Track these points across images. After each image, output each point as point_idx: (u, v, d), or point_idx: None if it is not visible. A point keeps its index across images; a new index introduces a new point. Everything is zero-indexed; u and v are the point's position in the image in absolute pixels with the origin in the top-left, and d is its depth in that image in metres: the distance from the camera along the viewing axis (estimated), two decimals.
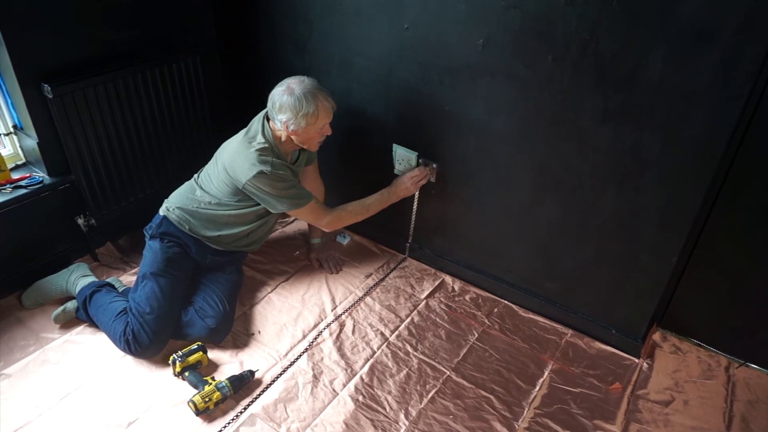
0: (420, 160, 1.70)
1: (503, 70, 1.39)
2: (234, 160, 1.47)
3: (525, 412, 1.37)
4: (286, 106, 1.40)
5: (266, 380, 1.44)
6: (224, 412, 1.35)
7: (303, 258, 1.90)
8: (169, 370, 1.44)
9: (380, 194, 1.65)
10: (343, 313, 1.67)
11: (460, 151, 1.60)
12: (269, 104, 1.45)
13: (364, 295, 1.74)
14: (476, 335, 1.61)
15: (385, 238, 1.98)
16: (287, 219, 2.05)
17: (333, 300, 1.72)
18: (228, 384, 1.37)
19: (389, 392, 1.40)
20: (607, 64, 1.25)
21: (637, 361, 1.53)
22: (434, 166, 1.67)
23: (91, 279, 1.62)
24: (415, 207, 1.81)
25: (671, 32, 1.15)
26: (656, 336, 1.59)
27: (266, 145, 1.47)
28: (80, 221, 1.71)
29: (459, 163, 1.62)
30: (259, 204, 1.52)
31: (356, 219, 1.64)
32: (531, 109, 1.40)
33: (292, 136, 1.47)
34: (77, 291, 1.58)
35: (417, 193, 1.77)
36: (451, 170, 1.66)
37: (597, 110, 1.31)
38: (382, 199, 1.65)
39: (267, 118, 1.50)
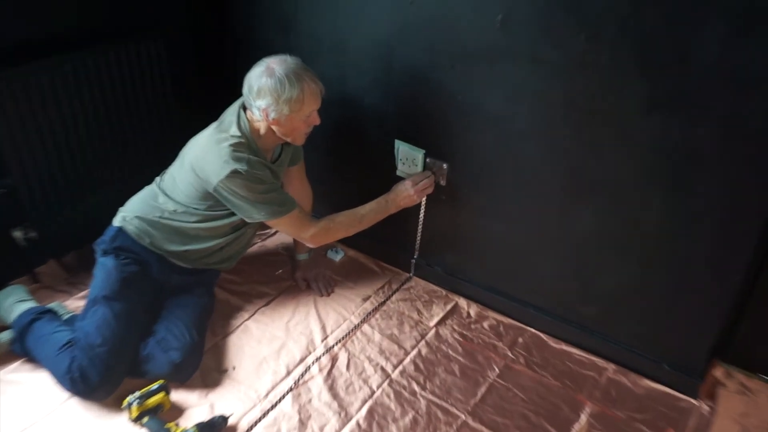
0: (427, 160, 1.71)
1: (526, 53, 1.39)
2: (203, 157, 1.47)
3: None
4: (266, 90, 1.39)
5: (242, 427, 1.41)
6: None
7: (287, 277, 1.90)
8: (125, 416, 1.40)
9: (377, 203, 1.64)
10: (336, 344, 1.66)
11: (475, 149, 1.61)
12: (245, 89, 1.44)
13: (361, 322, 1.74)
14: (497, 371, 1.60)
15: (386, 254, 1.99)
16: (268, 230, 2.05)
17: (323, 328, 1.72)
18: None
19: None
20: (652, 44, 1.24)
21: (695, 402, 1.50)
22: (444, 166, 1.68)
23: (30, 304, 1.60)
24: (421, 216, 1.81)
25: (729, 4, 1.14)
26: (718, 372, 1.55)
27: (242, 140, 1.46)
28: (17, 234, 1.68)
29: (474, 163, 1.63)
30: (234, 212, 1.52)
31: (347, 232, 1.64)
32: (560, 98, 1.39)
33: (274, 127, 1.47)
34: (13, 319, 1.55)
35: (424, 200, 1.77)
36: (465, 172, 1.67)
37: (640, 99, 1.30)
38: (378, 208, 1.65)
39: (244, 107, 1.50)
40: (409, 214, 1.80)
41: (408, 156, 1.73)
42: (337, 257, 2.01)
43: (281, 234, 1.99)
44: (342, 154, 1.91)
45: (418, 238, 1.88)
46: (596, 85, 1.34)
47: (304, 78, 1.40)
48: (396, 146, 1.75)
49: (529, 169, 1.54)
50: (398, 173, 1.79)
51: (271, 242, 2.03)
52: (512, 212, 1.64)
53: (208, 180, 1.45)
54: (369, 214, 1.64)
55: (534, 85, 1.41)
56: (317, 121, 1.50)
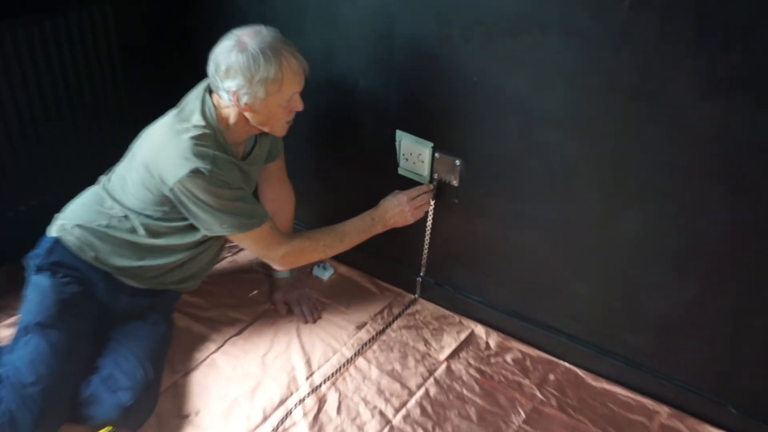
0: (436, 155, 1.71)
1: (558, 22, 1.37)
2: (159, 152, 1.46)
3: None
4: (237, 68, 1.38)
5: None
6: None
7: (264, 300, 1.91)
8: None
9: (361, 220, 1.66)
10: (324, 382, 1.65)
11: (494, 142, 1.61)
12: (211, 68, 1.43)
13: (355, 355, 1.74)
14: (523, 416, 1.59)
15: (386, 270, 2.00)
16: None
17: (308, 363, 1.71)
18: None
19: None
20: (712, 11, 1.22)
21: None
22: (456, 163, 1.67)
23: None
24: (429, 224, 1.81)
25: None
26: None
27: (206, 131, 1.46)
28: None
29: (493, 158, 1.63)
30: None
31: (325, 254, 1.66)
32: (599, 78, 1.38)
33: (247, 114, 1.46)
34: None
35: (432, 205, 1.77)
36: (482, 169, 1.67)
37: (698, 79, 1.28)
38: (363, 227, 1.66)
39: (209, 90, 1.49)
40: (415, 222, 1.79)
41: (412, 150, 1.73)
42: (326, 275, 2.01)
43: None
44: (330, 149, 1.92)
45: (425, 251, 1.87)
46: (643, 62, 1.33)
47: (283, 53, 1.40)
48: (398, 139, 1.75)
49: (561, 167, 1.54)
50: (400, 171, 1.79)
51: (243, 256, 2.04)
52: (541, 219, 1.63)
53: (164, 180, 1.45)
54: (351, 233, 1.65)
55: (567, 63, 1.41)
56: (300, 107, 1.49)
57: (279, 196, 1.82)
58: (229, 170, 1.47)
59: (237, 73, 1.38)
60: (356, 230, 1.66)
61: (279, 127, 1.52)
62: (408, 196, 1.68)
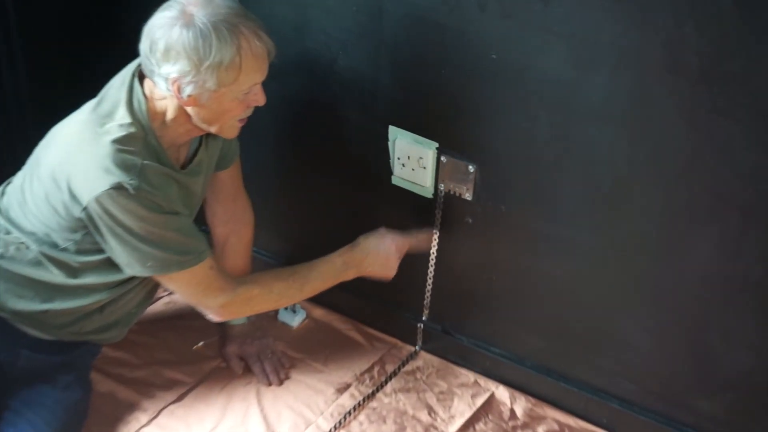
0: (442, 159, 1.71)
1: None
2: (70, 160, 1.46)
3: None
4: (180, 49, 1.38)
5: None
6: None
7: (212, 354, 1.91)
8: None
9: (328, 263, 1.70)
10: None
11: (519, 141, 1.61)
12: (144, 46, 1.42)
13: (336, 428, 1.74)
14: None
15: (377, 314, 2.01)
16: None
17: None
18: None
19: None
20: None
21: None
22: (470, 169, 1.68)
23: None
24: (434, 252, 1.82)
25: None
26: None
27: (133, 130, 1.46)
28: None
29: (518, 163, 1.64)
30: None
31: (278, 304, 1.72)
32: (658, 56, 1.38)
33: (190, 109, 1.47)
34: None
35: (437, 226, 1.79)
36: (504, 178, 1.68)
37: None
38: (330, 272, 1.71)
39: (140, 76, 1.50)
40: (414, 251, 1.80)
41: (411, 153, 1.74)
42: (296, 320, 2.01)
43: None
44: (300, 152, 1.93)
45: (429, 288, 1.88)
46: (718, 35, 1.32)
47: (243, 31, 1.40)
48: (391, 137, 1.76)
49: (607, 175, 1.54)
50: (395, 181, 1.80)
51: None
52: (582, 245, 1.64)
53: (75, 197, 1.44)
54: (315, 279, 1.68)
55: (616, 36, 1.40)
56: (261, 100, 1.51)
57: (233, 216, 1.83)
58: (163, 186, 1.47)
59: (180, 55, 1.38)
60: (321, 276, 1.69)
61: (230, 127, 1.53)
62: (400, 242, 1.73)
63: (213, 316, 1.64)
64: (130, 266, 1.51)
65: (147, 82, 1.48)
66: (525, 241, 1.71)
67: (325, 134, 1.87)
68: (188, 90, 1.41)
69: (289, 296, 1.70)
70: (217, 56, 1.38)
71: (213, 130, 1.52)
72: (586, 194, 1.59)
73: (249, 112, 1.53)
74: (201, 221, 1.77)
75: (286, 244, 1.87)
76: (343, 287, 1.78)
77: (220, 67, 1.39)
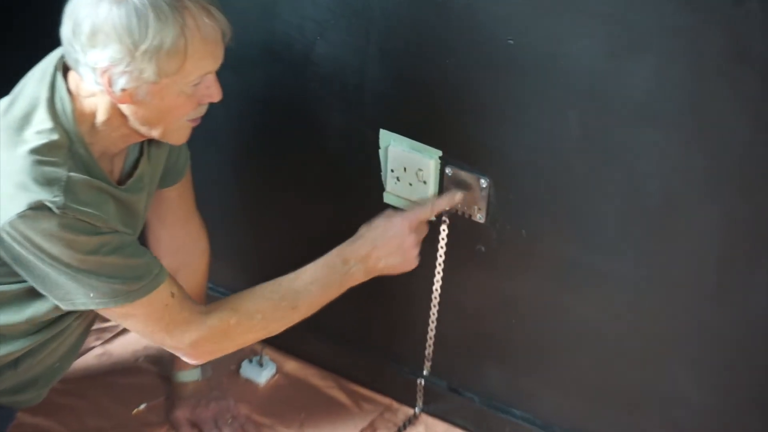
0: (447, 171, 1.72)
1: None
2: None
3: None
4: (108, 30, 1.38)
5: None
6: None
7: (158, 420, 1.89)
8: None
9: (325, 266, 1.68)
10: None
11: (543, 148, 1.62)
12: (66, 31, 1.42)
13: None
14: None
15: (366, 367, 2.02)
16: (117, 324, 1.99)
17: None
18: None
19: None
20: None
21: None
22: (482, 184, 1.70)
23: None
24: (437, 288, 1.82)
25: None
26: None
27: (56, 137, 1.45)
28: None
29: (542, 177, 1.65)
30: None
31: (265, 332, 1.69)
32: (718, 41, 1.38)
33: (125, 108, 1.47)
34: None
35: (440, 255, 1.77)
36: (524, 195, 1.69)
37: None
38: (329, 276, 1.68)
39: (64, 68, 1.50)
40: (410, 283, 1.78)
41: (407, 163, 1.75)
42: (263, 376, 2.00)
43: None
44: (267, 164, 1.94)
45: (431, 335, 1.88)
46: None
47: (188, 5, 1.40)
48: (383, 143, 1.77)
49: (657, 188, 1.55)
50: (387, 198, 1.81)
51: (122, 345, 2.01)
52: (624, 278, 1.64)
53: None
54: (310, 290, 1.65)
55: (665, 16, 1.40)
56: (215, 95, 1.51)
57: (183, 244, 1.84)
58: (96, 202, 1.47)
59: (109, 38, 1.38)
60: (318, 284, 1.65)
61: (177, 129, 1.52)
62: (413, 218, 1.68)
63: (187, 358, 1.65)
64: (69, 300, 1.50)
65: (72, 76, 1.47)
66: (552, 273, 1.72)
67: (299, 141, 1.88)
68: (121, 82, 1.41)
69: (279, 318, 1.66)
70: (156, 38, 1.37)
71: (155, 134, 1.51)
72: (628, 214, 1.59)
73: (201, 111, 1.53)
74: None
75: (250, 280, 1.85)
76: (321, 331, 1.78)
77: (160, 51, 1.38)
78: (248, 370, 2.01)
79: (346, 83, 1.74)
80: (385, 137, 1.74)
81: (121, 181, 1.58)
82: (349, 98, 1.76)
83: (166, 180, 1.72)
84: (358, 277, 1.67)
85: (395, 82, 1.70)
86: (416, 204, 1.73)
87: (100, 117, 1.48)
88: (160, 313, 1.56)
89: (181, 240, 1.83)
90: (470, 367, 1.89)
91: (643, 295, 1.64)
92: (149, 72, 1.40)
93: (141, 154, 1.61)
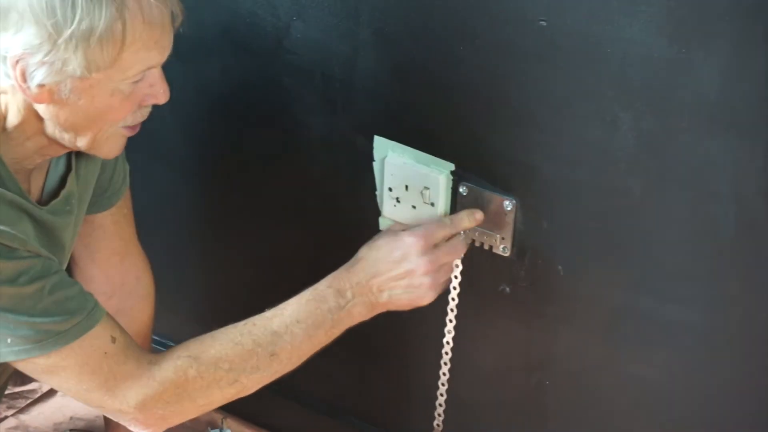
0: (461, 190, 1.74)
1: None
2: None
3: None
4: (23, 9, 1.38)
5: None
6: None
7: None
8: None
9: (312, 300, 1.68)
10: None
11: (585, 161, 1.63)
12: None
13: None
14: None
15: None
16: (35, 386, 1.97)
17: None
18: None
19: None
20: None
21: None
22: (506, 206, 1.71)
23: None
24: (448, 343, 1.83)
25: None
26: None
27: None
28: None
29: (583, 196, 1.66)
30: None
31: (235, 389, 1.67)
32: None
33: (43, 111, 1.48)
34: None
35: (454, 299, 1.79)
36: (560, 220, 1.70)
37: None
38: (319, 314, 1.68)
39: None
40: (414, 333, 1.84)
41: (411, 179, 1.76)
42: None
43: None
44: (234, 181, 1.98)
45: (441, 400, 1.88)
46: None
47: None
48: (378, 154, 1.78)
49: (732, 213, 1.53)
50: (382, 225, 1.83)
51: (41, 416, 2.03)
52: (690, 327, 1.64)
53: None
54: (294, 331, 1.65)
55: None
56: (161, 95, 1.52)
57: (121, 285, 1.87)
58: (9, 219, 1.48)
59: (24, 19, 1.38)
60: (304, 324, 1.64)
61: (109, 138, 1.53)
62: (427, 235, 1.68)
63: (137, 428, 1.64)
64: None
65: None
66: (597, 323, 1.73)
67: (270, 152, 1.91)
68: (39, 76, 1.40)
69: (252, 370, 1.63)
70: (85, 21, 1.37)
71: (81, 144, 1.51)
72: (696, 247, 1.58)
73: (142, 115, 1.53)
74: None
75: (206, 330, 1.84)
76: (297, 398, 1.81)
77: (90, 38, 1.38)
78: None
79: (331, 76, 1.76)
80: (382, 146, 1.75)
81: (42, 202, 1.59)
82: (335, 96, 1.77)
83: (99, 203, 1.73)
84: (357, 313, 1.67)
85: (394, 75, 1.71)
86: (435, 222, 1.73)
87: (12, 120, 1.48)
88: (98, 363, 1.55)
89: (119, 280, 1.84)
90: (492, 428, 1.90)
91: (712, 348, 1.64)
92: (75, 64, 1.39)
93: (68, 169, 1.61)
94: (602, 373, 1.75)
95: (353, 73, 1.73)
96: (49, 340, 1.49)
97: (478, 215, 1.70)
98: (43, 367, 1.53)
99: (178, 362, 1.60)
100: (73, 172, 1.62)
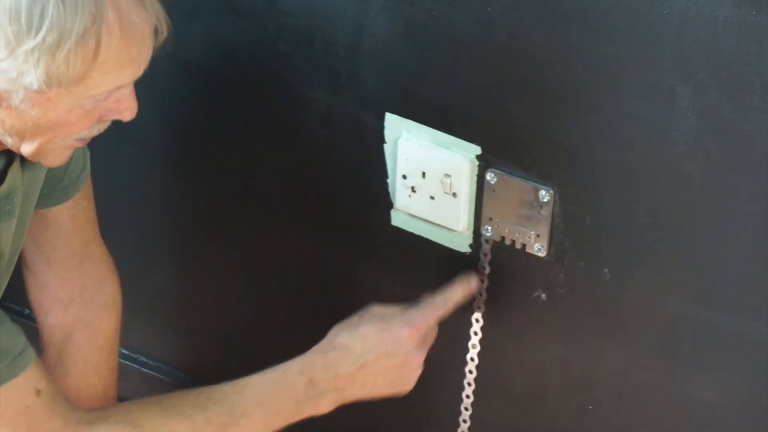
0: (487, 176, 1.75)
1: None
2: None
3: None
4: None
5: None
6: None
7: None
8: None
9: (282, 383, 1.73)
10: None
11: (636, 144, 1.64)
12: None
13: None
14: None
15: None
16: None
17: None
18: None
19: None
20: None
21: None
22: (543, 198, 1.72)
23: None
24: (473, 359, 1.87)
25: None
26: None
27: None
28: None
29: (634, 186, 1.67)
30: None
31: None
32: None
33: None
34: None
35: (480, 307, 1.83)
36: (607, 215, 1.72)
37: None
38: (282, 397, 1.74)
39: None
40: (434, 350, 1.82)
41: (429, 165, 1.79)
42: None
43: None
44: (220, 168, 2.01)
45: (466, 421, 1.89)
46: None
47: None
48: (390, 136, 1.80)
49: None
50: (397, 220, 1.86)
51: None
52: (764, 344, 1.64)
53: None
54: (253, 413, 1.70)
55: None
56: (127, 113, 1.53)
57: (80, 288, 1.88)
58: None
59: None
60: (265, 408, 1.70)
61: (57, 148, 1.54)
62: (422, 321, 1.74)
63: None
64: None
65: None
66: (650, 337, 1.74)
67: (261, 132, 1.93)
68: None
69: None
70: (53, 33, 1.37)
71: (25, 151, 1.52)
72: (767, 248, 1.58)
73: (99, 130, 1.56)
74: (20, 302, 1.74)
75: (184, 343, 1.85)
76: (316, 420, 1.79)
77: (57, 53, 1.38)
78: None
79: (334, 43, 1.77)
80: (395, 126, 1.77)
81: None
82: (338, 66, 1.78)
83: (53, 195, 1.75)
84: (324, 406, 1.72)
85: (409, 42, 1.72)
86: (423, 304, 1.77)
87: None
88: (17, 417, 1.58)
89: (78, 285, 1.86)
90: None
91: None
92: (33, 77, 1.40)
93: (9, 160, 1.63)
94: (655, 395, 1.76)
95: (360, 37, 1.74)
96: None
97: (474, 283, 1.77)
98: None
99: (114, 427, 1.64)
100: (16, 163, 1.62)
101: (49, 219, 1.77)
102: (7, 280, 1.66)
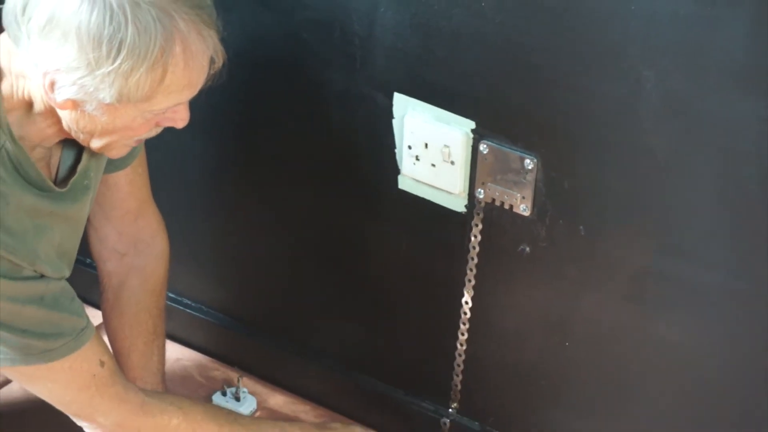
0: (481, 146, 1.74)
1: None
2: None
3: None
4: (70, 30, 1.38)
5: None
6: None
7: None
8: None
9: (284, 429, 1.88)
10: None
11: (609, 119, 1.62)
12: (10, 6, 1.41)
13: None
14: None
15: (376, 403, 2.05)
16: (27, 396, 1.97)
17: None
18: None
19: None
20: None
21: None
22: (527, 165, 1.71)
23: None
24: (466, 303, 1.84)
25: None
26: None
27: None
28: None
29: (607, 155, 1.65)
30: None
31: None
32: None
33: (64, 113, 1.49)
34: None
35: (473, 258, 1.82)
36: (583, 179, 1.70)
37: None
38: None
39: None
40: (431, 295, 1.86)
41: (430, 138, 1.77)
42: (240, 412, 2.02)
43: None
44: (247, 139, 1.98)
45: (460, 363, 1.90)
46: None
47: (179, 24, 1.42)
48: (398, 112, 1.79)
49: (758, 173, 1.53)
50: (402, 185, 1.85)
51: None
52: (720, 290, 1.64)
53: None
54: None
55: None
56: (180, 123, 1.57)
57: (136, 244, 1.89)
58: (23, 231, 1.50)
59: (68, 39, 1.39)
60: None
61: (120, 145, 1.58)
62: None
63: None
64: None
65: (3, 39, 1.47)
66: (620, 285, 1.72)
67: (284, 109, 1.91)
68: (68, 92, 1.42)
69: None
70: (127, 62, 1.38)
71: (94, 146, 1.55)
72: (725, 206, 1.57)
73: (155, 132, 1.59)
74: (82, 252, 1.77)
75: (222, 288, 1.85)
76: (314, 358, 1.84)
77: (129, 78, 1.40)
78: (221, 403, 2.04)
79: (350, 33, 1.75)
80: (401, 104, 1.75)
81: (58, 181, 1.61)
82: (354, 52, 1.77)
83: (114, 163, 1.74)
84: None
85: (415, 30, 1.70)
86: None
87: (36, 107, 1.50)
88: (86, 382, 1.62)
89: (132, 239, 1.86)
90: (508, 405, 1.91)
91: (743, 314, 1.63)
92: (106, 93, 1.41)
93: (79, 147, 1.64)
94: (623, 335, 1.75)
95: (373, 28, 1.73)
96: (32, 357, 1.54)
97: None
98: (27, 377, 1.61)
99: (168, 407, 1.72)
100: (88, 147, 1.62)
101: (109, 183, 1.78)
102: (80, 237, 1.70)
